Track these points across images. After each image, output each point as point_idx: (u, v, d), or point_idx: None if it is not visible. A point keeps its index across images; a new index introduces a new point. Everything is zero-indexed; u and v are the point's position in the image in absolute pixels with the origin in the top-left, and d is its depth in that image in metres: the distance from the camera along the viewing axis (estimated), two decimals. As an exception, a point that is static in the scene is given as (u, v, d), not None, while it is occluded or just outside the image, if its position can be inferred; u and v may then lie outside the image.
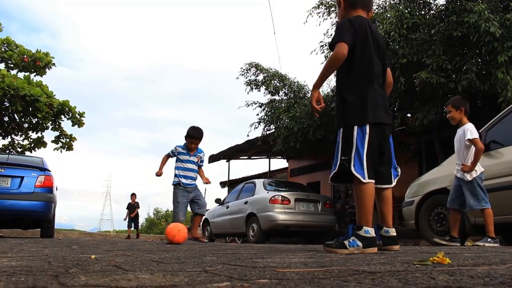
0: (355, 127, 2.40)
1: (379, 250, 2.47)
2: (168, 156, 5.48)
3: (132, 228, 14.51)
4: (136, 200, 14.64)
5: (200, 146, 5.52)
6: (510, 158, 4.49)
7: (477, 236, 5.57)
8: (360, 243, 2.31)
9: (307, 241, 9.43)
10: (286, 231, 8.58)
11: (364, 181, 2.34)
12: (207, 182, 5.53)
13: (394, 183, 2.64)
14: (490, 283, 0.95)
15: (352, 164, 2.36)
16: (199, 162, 5.47)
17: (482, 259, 1.72)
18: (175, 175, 5.36)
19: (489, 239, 4.14)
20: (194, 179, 5.42)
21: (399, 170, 2.73)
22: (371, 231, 2.36)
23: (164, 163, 5.48)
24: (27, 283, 0.93)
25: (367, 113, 2.40)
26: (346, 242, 2.33)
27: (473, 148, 4.30)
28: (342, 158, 2.42)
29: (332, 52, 2.45)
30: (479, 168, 4.31)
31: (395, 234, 2.65)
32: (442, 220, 5.22)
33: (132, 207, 14.49)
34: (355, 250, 2.29)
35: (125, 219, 14.54)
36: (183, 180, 5.28)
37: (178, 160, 5.40)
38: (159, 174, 5.43)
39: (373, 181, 2.40)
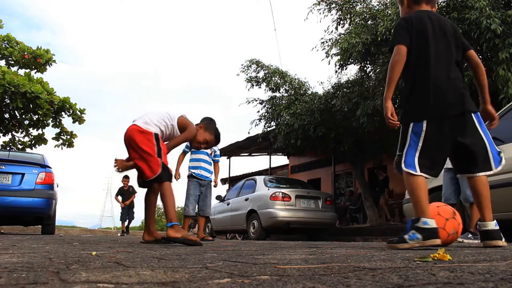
0: (411, 124, 2.40)
1: (484, 246, 2.29)
2: (183, 153, 5.34)
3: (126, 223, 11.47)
4: (130, 184, 11.57)
5: None
6: (510, 155, 4.49)
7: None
8: (419, 235, 2.23)
9: (308, 237, 9.45)
10: (286, 228, 8.60)
11: (415, 173, 2.31)
12: (215, 185, 5.43)
13: (495, 169, 2.38)
14: (491, 279, 0.95)
15: (403, 160, 2.36)
16: (213, 155, 5.35)
17: (482, 255, 1.72)
18: (188, 168, 5.27)
19: (469, 235, 4.10)
20: (208, 171, 5.27)
21: (502, 154, 2.46)
22: (430, 222, 2.26)
23: (180, 162, 5.33)
24: (28, 279, 0.93)
25: (423, 110, 2.38)
26: (406, 236, 2.25)
27: None
28: (398, 153, 2.44)
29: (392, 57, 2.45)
30: None
31: (495, 227, 2.42)
32: (442, 217, 5.22)
33: (127, 193, 11.49)
34: (415, 243, 2.21)
35: (123, 209, 11.36)
36: (195, 171, 5.18)
37: (192, 153, 5.31)
38: (176, 176, 5.27)
39: (425, 174, 2.34)
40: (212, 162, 5.38)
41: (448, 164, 4.44)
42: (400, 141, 2.46)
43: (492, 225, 2.41)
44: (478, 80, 2.60)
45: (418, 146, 2.34)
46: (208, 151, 5.30)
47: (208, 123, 3.50)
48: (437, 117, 2.36)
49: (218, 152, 5.48)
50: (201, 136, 3.43)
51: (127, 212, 11.41)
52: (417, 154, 2.33)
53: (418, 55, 2.44)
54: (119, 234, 11.37)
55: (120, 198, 11.44)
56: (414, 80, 2.46)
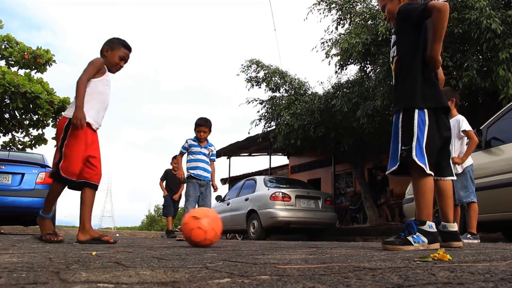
0: (416, 111, 2.24)
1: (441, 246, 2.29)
2: (181, 154, 5.39)
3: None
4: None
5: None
6: (510, 155, 4.49)
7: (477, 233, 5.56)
8: (425, 239, 2.19)
9: (308, 237, 9.45)
10: (286, 228, 8.60)
11: (428, 172, 2.19)
12: (215, 189, 5.41)
13: (454, 177, 2.46)
14: (491, 279, 0.95)
15: (414, 155, 2.20)
16: (210, 155, 5.38)
17: (482, 255, 1.72)
18: (187, 169, 5.29)
19: (468, 235, 4.07)
20: (207, 171, 5.29)
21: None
22: (434, 226, 2.23)
23: (181, 163, 5.39)
24: (28, 279, 0.93)
25: (428, 97, 2.26)
26: (410, 238, 2.19)
27: (465, 140, 4.27)
28: (403, 147, 2.26)
29: (438, 11, 2.23)
30: (469, 160, 4.25)
31: (455, 229, 2.46)
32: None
33: (175, 181, 7.93)
34: (420, 247, 2.17)
35: (167, 200, 8.06)
36: (194, 172, 5.19)
37: (189, 154, 5.33)
38: (181, 175, 5.27)
39: (433, 173, 2.25)
40: (209, 161, 5.40)
41: None
42: (403, 133, 2.27)
43: (455, 226, 2.46)
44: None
45: (424, 139, 2.21)
46: (206, 151, 5.33)
47: (110, 43, 3.32)
48: (439, 107, 2.28)
49: (214, 152, 5.50)
50: (112, 58, 3.26)
51: (173, 205, 8.16)
52: (424, 149, 2.20)
53: (424, 40, 2.35)
54: (168, 236, 7.69)
55: (164, 184, 8.23)
56: (424, 65, 2.32)
